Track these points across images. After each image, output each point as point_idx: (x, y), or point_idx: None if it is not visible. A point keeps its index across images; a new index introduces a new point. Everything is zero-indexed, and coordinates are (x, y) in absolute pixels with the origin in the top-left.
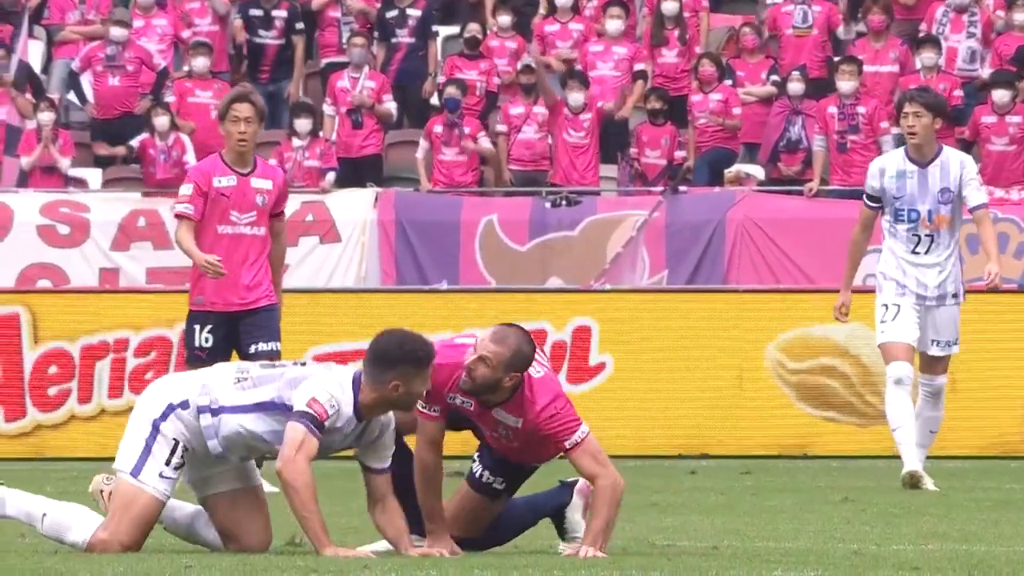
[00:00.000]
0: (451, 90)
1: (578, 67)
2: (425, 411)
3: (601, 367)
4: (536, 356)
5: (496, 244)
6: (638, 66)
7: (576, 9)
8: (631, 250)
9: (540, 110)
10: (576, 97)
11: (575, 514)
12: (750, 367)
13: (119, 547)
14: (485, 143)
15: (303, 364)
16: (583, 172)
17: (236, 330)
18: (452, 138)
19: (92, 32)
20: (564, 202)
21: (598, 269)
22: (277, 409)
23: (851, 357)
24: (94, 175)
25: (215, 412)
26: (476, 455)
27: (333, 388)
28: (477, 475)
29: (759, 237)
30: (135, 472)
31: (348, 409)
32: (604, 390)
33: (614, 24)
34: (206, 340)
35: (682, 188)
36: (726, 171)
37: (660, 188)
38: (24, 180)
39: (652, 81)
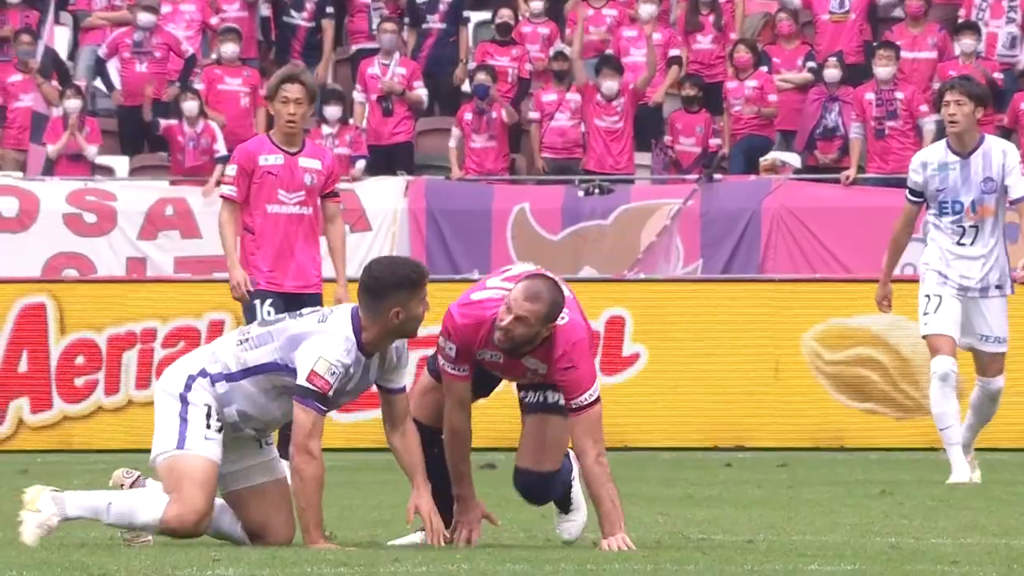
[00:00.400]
0: (481, 77)
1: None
2: (453, 372)
3: (635, 358)
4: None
5: (528, 233)
6: (672, 52)
7: None
8: (665, 239)
9: (573, 96)
10: (610, 84)
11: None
12: (786, 358)
13: (195, 515)
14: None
15: (300, 316)
16: (616, 160)
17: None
18: (482, 125)
19: (119, 18)
20: (597, 190)
21: (631, 258)
22: (280, 371)
23: (889, 347)
24: (121, 163)
25: (228, 378)
26: (520, 394)
27: (332, 350)
28: (537, 400)
29: (795, 226)
30: (180, 444)
31: (351, 357)
32: (637, 381)
33: (647, 9)
34: (269, 313)
35: (717, 176)
36: (761, 159)
37: (695, 176)
38: (50, 168)
39: (686, 67)
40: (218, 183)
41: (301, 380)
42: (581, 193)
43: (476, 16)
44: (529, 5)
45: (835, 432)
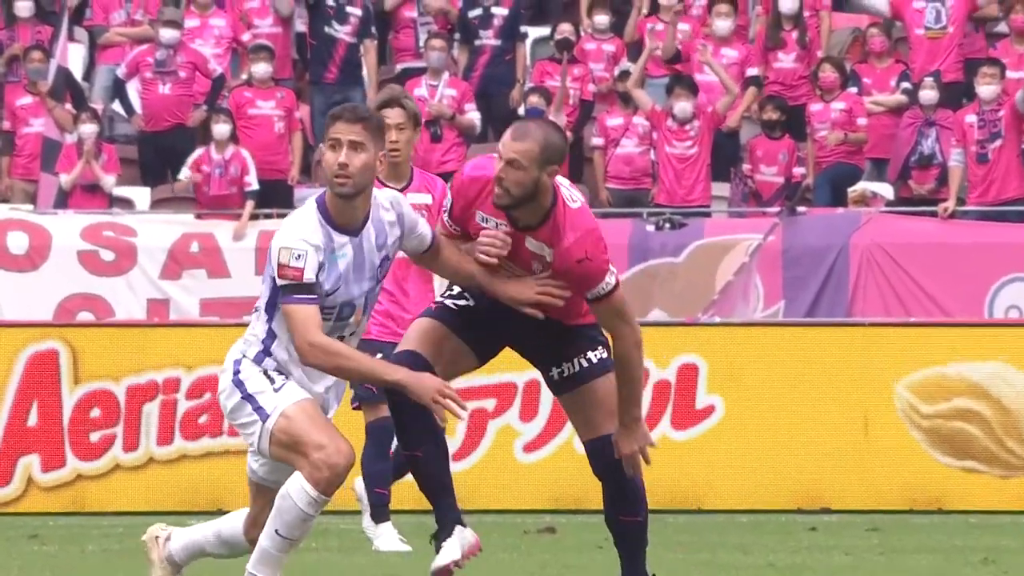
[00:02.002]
0: (534, 99)
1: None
2: (447, 226)
3: (710, 410)
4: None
5: None
6: (751, 71)
7: (681, 7)
8: (743, 278)
9: (641, 121)
10: (683, 106)
11: None
12: (877, 410)
13: (343, 458)
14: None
15: None
16: (690, 190)
17: None
18: None
19: (140, 34)
20: (668, 224)
21: (706, 300)
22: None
23: (991, 399)
24: (141, 194)
25: (265, 344)
26: (549, 373)
27: (289, 235)
28: (570, 372)
29: (887, 264)
30: (264, 417)
31: (319, 235)
32: (713, 436)
33: (723, 24)
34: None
35: (801, 209)
36: (850, 190)
37: (776, 209)
38: (63, 200)
39: (767, 89)
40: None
41: (277, 281)
42: (650, 227)
43: (534, 32)
44: (592, 19)
45: (931, 493)
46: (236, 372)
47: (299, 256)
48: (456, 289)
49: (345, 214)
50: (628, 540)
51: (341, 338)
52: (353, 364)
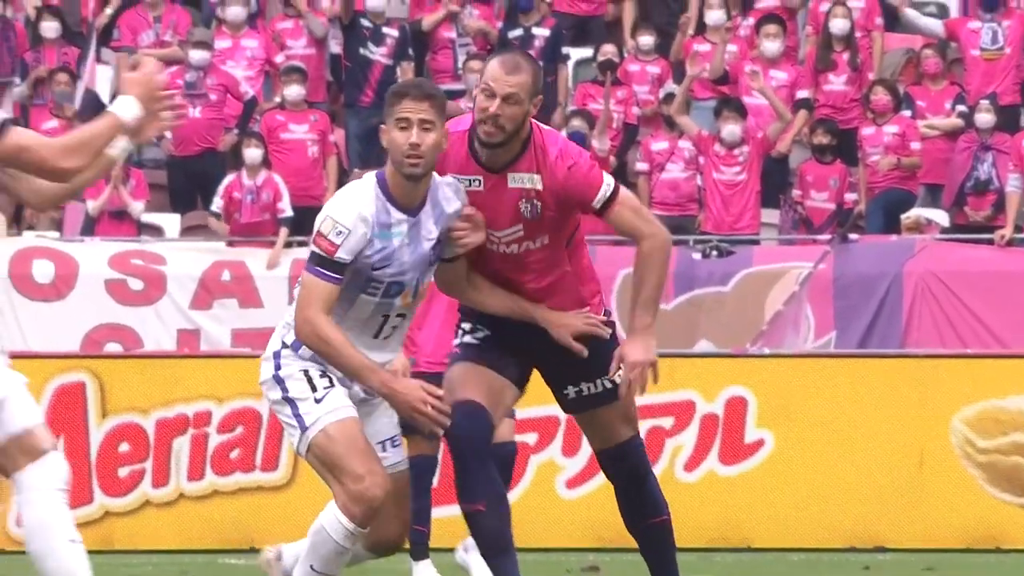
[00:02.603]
0: (576, 122)
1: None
2: None
3: (759, 444)
4: None
5: None
6: (801, 94)
7: (729, 27)
8: (793, 308)
9: (687, 145)
10: (731, 129)
11: None
12: (932, 445)
13: (380, 490)
14: None
15: None
16: (738, 217)
17: None
18: None
19: (169, 56)
20: (715, 252)
21: (755, 331)
22: None
23: None
24: (171, 221)
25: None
26: (563, 392)
27: (340, 205)
28: (615, 382)
29: (942, 293)
30: (303, 427)
31: (372, 208)
32: (762, 471)
33: (772, 45)
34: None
35: (852, 236)
36: (903, 216)
37: (827, 236)
38: (90, 227)
39: (817, 112)
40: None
41: (310, 246)
42: (697, 255)
43: (576, 53)
44: (637, 40)
45: (989, 531)
46: (277, 367)
47: (340, 233)
48: (466, 327)
49: (408, 194)
50: (657, 543)
51: (386, 318)
52: (338, 356)
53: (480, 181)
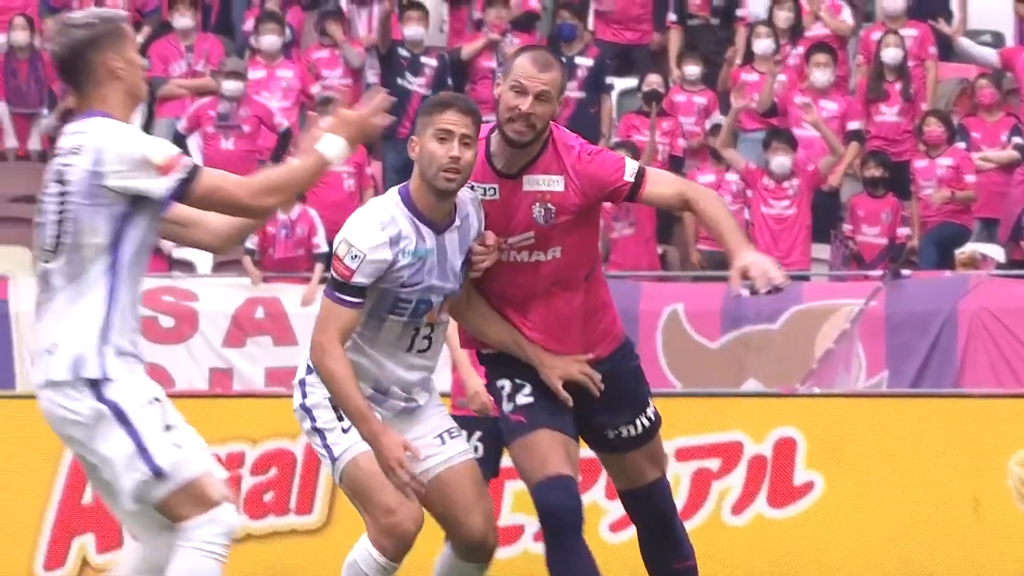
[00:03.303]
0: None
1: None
2: None
3: (808, 487)
4: None
5: (682, 339)
6: (852, 125)
7: (777, 57)
8: (844, 346)
9: (733, 178)
10: (781, 160)
11: None
12: (988, 488)
13: (413, 524)
14: None
15: None
16: (787, 253)
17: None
18: (621, 211)
19: (201, 86)
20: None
21: (804, 369)
22: None
23: None
24: (203, 257)
25: None
26: (591, 436)
27: (358, 227)
28: (644, 426)
29: (998, 331)
30: (332, 457)
31: (392, 229)
32: (812, 515)
33: (822, 74)
34: (475, 449)
35: (905, 272)
36: (958, 252)
37: (879, 272)
38: None
39: (869, 144)
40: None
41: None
42: (745, 292)
43: (620, 83)
44: (683, 70)
45: None
46: (304, 395)
47: (355, 257)
48: (506, 386)
49: (436, 209)
50: None
51: (415, 334)
52: (338, 393)
53: (495, 189)
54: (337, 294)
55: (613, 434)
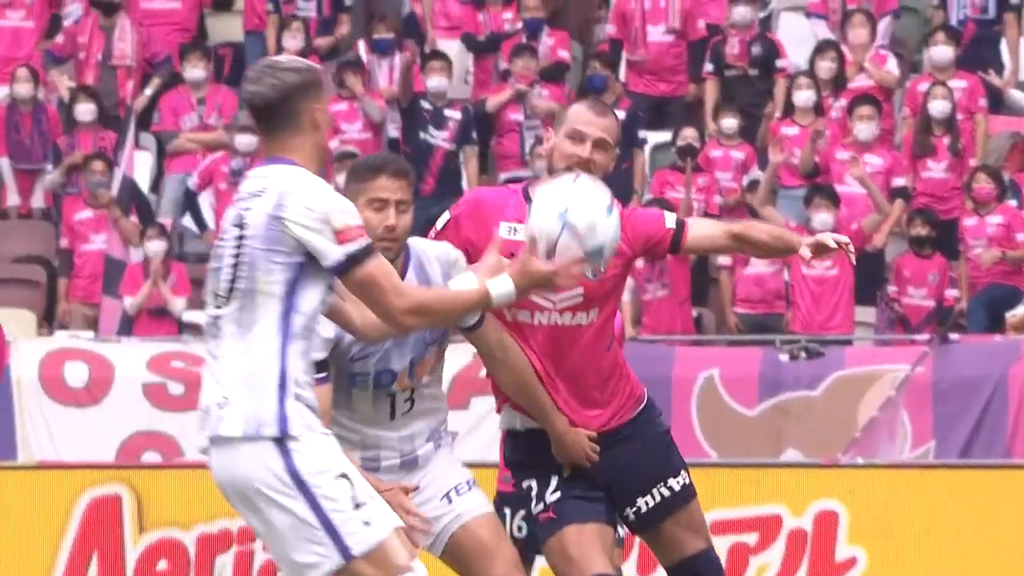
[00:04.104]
0: None
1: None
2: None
3: (851, 563)
4: None
5: (718, 406)
6: (897, 181)
7: (819, 109)
8: (889, 414)
9: None
10: (823, 218)
11: None
12: None
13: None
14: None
15: None
16: (829, 316)
17: None
18: (655, 272)
19: (213, 140)
20: (804, 353)
21: (847, 439)
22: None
23: None
24: None
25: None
26: (627, 511)
27: None
28: (674, 490)
29: None
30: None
31: None
32: None
33: (866, 128)
34: (519, 529)
35: (953, 336)
36: (1009, 314)
37: (926, 336)
38: (128, 326)
39: (915, 201)
40: None
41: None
42: (784, 357)
43: (654, 137)
44: (719, 123)
45: None
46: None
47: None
48: (533, 486)
49: None
50: None
51: (391, 399)
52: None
53: None
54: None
55: (633, 513)
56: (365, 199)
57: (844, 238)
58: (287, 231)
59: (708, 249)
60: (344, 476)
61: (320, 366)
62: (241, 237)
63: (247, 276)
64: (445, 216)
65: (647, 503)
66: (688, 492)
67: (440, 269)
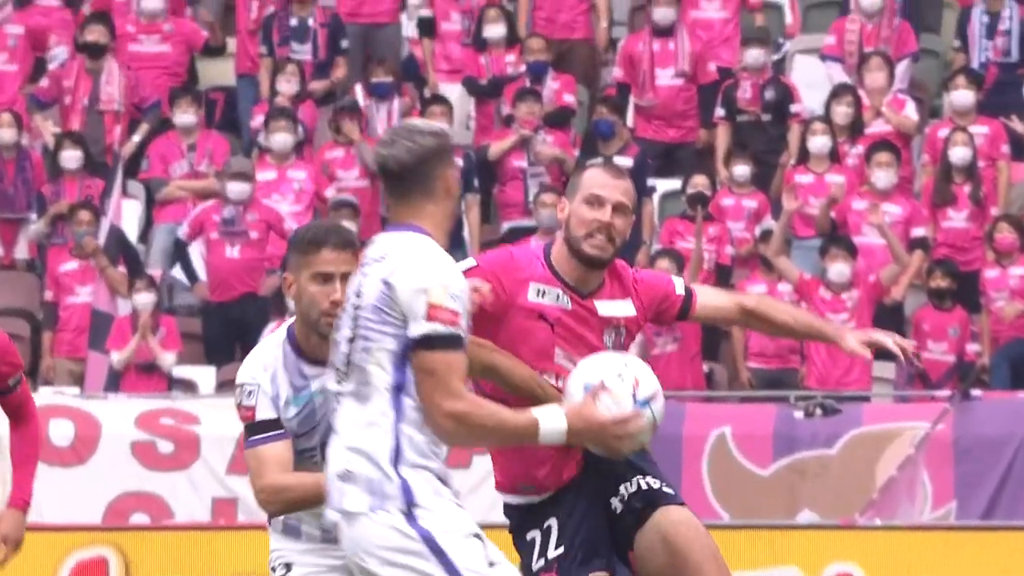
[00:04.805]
0: (663, 263)
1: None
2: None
3: None
4: None
5: (730, 465)
6: (916, 231)
7: (835, 157)
8: (908, 474)
9: (786, 288)
10: (840, 268)
11: None
12: None
13: None
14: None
15: None
16: (846, 371)
17: None
18: (664, 327)
19: (204, 189)
20: (820, 410)
21: (864, 499)
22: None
23: None
24: (205, 376)
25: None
26: (614, 503)
27: (245, 366)
28: (652, 486)
29: None
30: None
31: (282, 370)
32: None
33: (884, 175)
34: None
35: (975, 392)
36: None
37: (946, 393)
38: (115, 382)
39: (935, 252)
40: None
41: None
42: (799, 414)
43: (663, 185)
44: (731, 170)
45: None
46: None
47: (250, 393)
48: (536, 538)
49: (322, 349)
50: None
51: None
52: (305, 496)
53: (568, 299)
54: (253, 439)
55: (619, 501)
56: (309, 273)
57: (909, 343)
58: (394, 296)
59: (716, 320)
60: (476, 536)
61: (270, 425)
62: (358, 307)
63: (362, 349)
64: (469, 261)
65: (627, 488)
66: (677, 498)
67: None
